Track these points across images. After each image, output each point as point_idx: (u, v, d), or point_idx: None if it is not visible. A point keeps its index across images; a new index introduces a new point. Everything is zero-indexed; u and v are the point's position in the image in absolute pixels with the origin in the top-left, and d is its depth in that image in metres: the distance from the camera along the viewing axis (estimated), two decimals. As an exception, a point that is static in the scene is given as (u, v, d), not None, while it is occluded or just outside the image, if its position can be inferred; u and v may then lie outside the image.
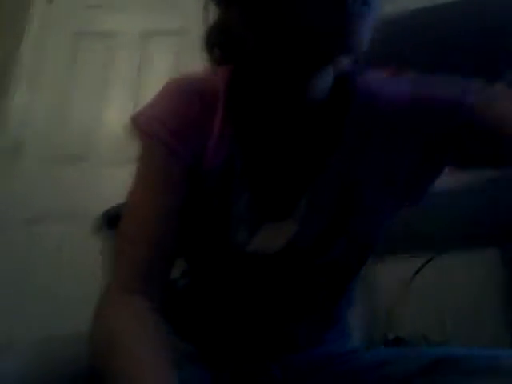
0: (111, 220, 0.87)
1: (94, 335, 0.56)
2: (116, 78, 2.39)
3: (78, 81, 2.39)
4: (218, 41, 0.71)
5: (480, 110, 0.62)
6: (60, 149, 2.27)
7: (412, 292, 1.78)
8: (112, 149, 2.19)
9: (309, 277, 0.71)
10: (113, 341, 0.54)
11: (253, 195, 0.68)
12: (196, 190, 0.67)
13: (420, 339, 1.60)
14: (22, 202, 2.17)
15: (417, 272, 1.69)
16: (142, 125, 0.67)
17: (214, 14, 0.70)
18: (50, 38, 2.45)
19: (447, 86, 0.66)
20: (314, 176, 0.67)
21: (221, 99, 0.68)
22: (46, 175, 2.21)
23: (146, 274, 0.60)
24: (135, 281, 0.60)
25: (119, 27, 2.49)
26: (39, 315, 1.87)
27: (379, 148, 0.67)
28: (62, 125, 2.31)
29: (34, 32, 2.43)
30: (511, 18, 1.28)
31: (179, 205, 0.65)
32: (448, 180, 1.22)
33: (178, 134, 0.65)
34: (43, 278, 2.00)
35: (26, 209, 2.16)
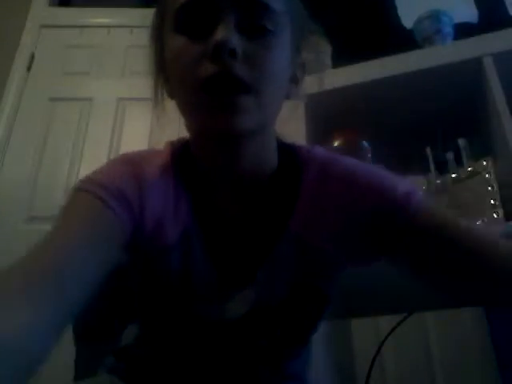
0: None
1: None
2: (90, 143, 2.42)
3: (54, 144, 2.42)
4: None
5: (423, 216, 0.63)
6: (34, 211, 2.27)
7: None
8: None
9: (270, 336, 0.72)
10: None
11: (214, 266, 0.68)
12: (156, 265, 0.67)
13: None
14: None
15: (391, 331, 1.68)
16: (77, 185, 0.63)
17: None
18: (27, 104, 2.49)
19: (395, 181, 0.67)
20: (271, 245, 0.68)
21: (170, 173, 0.69)
22: (21, 235, 2.18)
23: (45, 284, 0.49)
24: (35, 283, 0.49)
25: (94, 93, 2.55)
26: None
27: (330, 216, 0.68)
28: (36, 187, 2.31)
29: (12, 98, 2.48)
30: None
31: (100, 257, 0.57)
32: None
33: (114, 193, 0.61)
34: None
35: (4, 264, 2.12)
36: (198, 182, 0.69)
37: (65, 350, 0.99)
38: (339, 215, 0.67)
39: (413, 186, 0.66)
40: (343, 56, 1.55)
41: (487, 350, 1.79)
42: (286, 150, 0.72)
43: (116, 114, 2.50)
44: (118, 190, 0.62)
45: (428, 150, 1.39)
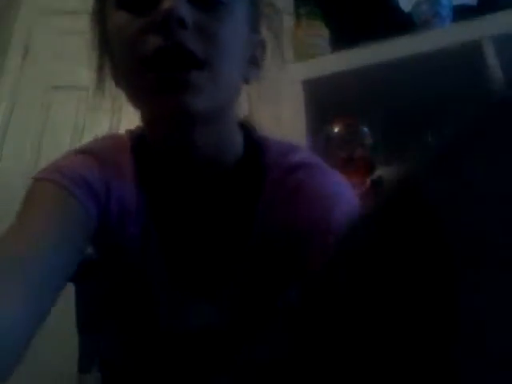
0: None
1: None
2: (90, 132, 2.41)
3: (52, 133, 2.41)
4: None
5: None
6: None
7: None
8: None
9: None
10: None
11: (166, 266, 0.65)
12: (118, 258, 0.65)
13: None
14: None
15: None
16: (38, 175, 0.61)
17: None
18: (25, 91, 2.48)
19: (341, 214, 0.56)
20: (236, 255, 0.64)
21: (132, 165, 0.65)
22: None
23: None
24: None
25: (92, 82, 2.53)
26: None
27: (286, 214, 0.62)
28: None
29: (9, 86, 2.46)
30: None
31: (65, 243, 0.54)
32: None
33: (77, 181, 0.59)
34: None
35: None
36: (156, 175, 0.65)
37: (69, 343, 1.00)
38: (288, 222, 0.62)
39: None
40: (341, 40, 1.54)
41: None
42: (255, 145, 0.67)
43: (114, 102, 2.48)
44: (81, 178, 0.59)
45: (428, 135, 1.38)
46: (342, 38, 1.54)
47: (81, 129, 2.42)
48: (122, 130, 2.43)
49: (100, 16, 0.64)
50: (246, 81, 0.64)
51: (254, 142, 0.68)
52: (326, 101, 1.43)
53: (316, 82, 1.44)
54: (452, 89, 1.37)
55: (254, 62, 0.65)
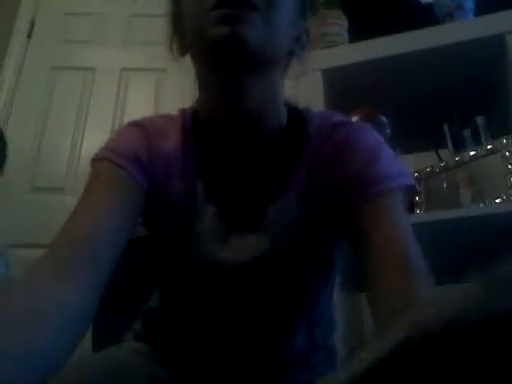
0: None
1: None
2: (94, 113, 2.39)
3: (56, 114, 2.38)
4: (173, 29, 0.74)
5: (369, 205, 0.61)
6: (38, 180, 2.25)
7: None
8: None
9: (278, 289, 0.71)
10: None
11: (218, 209, 0.69)
12: (161, 211, 0.70)
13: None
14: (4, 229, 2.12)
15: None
16: (94, 155, 0.68)
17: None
18: (28, 72, 2.44)
19: (388, 161, 0.64)
20: (277, 192, 0.69)
21: (180, 132, 0.72)
22: (25, 205, 2.18)
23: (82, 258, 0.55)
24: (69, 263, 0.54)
25: (97, 62, 2.51)
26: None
27: (323, 175, 0.68)
28: (39, 157, 2.29)
29: (13, 66, 2.42)
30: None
31: (126, 211, 0.63)
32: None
33: (125, 154, 0.66)
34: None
35: (8, 235, 2.10)
36: (202, 138, 0.72)
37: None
38: (329, 173, 0.67)
39: (403, 175, 0.64)
40: (360, 30, 1.54)
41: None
42: (297, 113, 0.72)
43: (119, 84, 2.45)
44: (131, 153, 0.66)
45: (445, 127, 1.39)
46: (361, 28, 1.53)
47: (85, 109, 2.39)
48: (127, 111, 2.40)
49: None
50: (291, 53, 0.69)
51: (297, 113, 0.73)
52: (345, 90, 1.44)
53: (335, 72, 1.44)
54: (473, 82, 1.38)
55: (299, 42, 0.70)
